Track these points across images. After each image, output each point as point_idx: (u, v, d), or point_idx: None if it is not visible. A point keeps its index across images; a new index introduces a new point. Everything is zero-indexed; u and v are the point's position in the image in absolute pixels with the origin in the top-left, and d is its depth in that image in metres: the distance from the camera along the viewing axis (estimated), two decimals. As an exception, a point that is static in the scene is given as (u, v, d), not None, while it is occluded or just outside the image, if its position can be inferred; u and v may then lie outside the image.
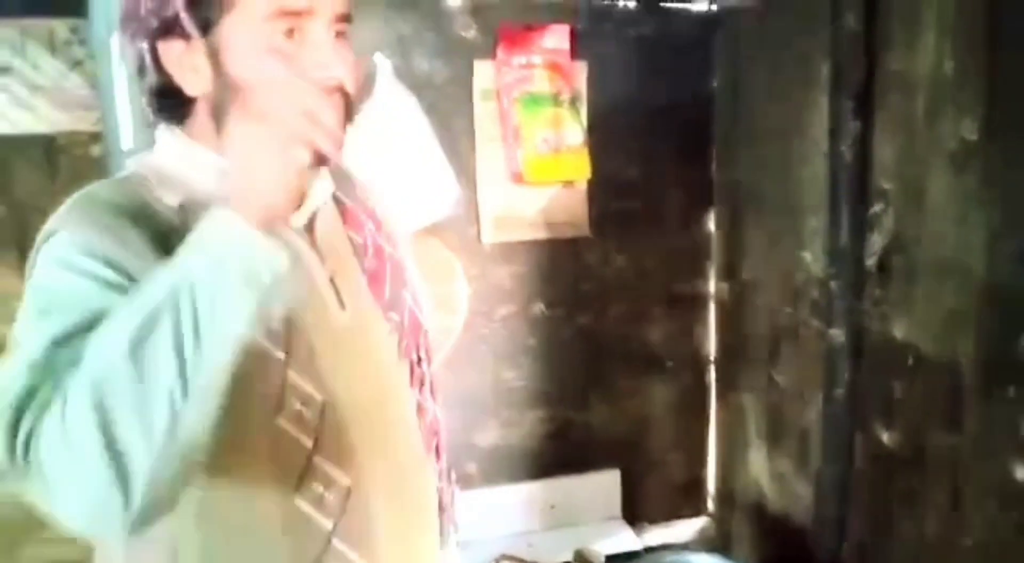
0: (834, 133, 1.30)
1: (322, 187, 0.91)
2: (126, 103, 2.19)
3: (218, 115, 0.81)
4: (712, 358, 2.10)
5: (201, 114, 0.84)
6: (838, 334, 1.37)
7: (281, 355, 0.80)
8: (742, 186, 1.84)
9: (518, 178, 1.85)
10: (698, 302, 2.09)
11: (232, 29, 0.77)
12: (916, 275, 1.22)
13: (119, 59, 2.21)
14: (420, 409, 1.00)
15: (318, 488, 0.82)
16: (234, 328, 0.67)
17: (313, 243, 0.89)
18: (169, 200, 0.81)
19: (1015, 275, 1.02)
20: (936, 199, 1.17)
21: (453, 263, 1.92)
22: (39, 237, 0.79)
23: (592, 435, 2.09)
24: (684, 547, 2.12)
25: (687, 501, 2.20)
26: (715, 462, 2.14)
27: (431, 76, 1.83)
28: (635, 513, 2.12)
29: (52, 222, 0.79)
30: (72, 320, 0.70)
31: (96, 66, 3.11)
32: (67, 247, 0.74)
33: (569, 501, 2.08)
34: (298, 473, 0.81)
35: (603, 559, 1.83)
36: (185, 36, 0.78)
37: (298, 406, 0.81)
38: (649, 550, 1.98)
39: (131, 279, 0.72)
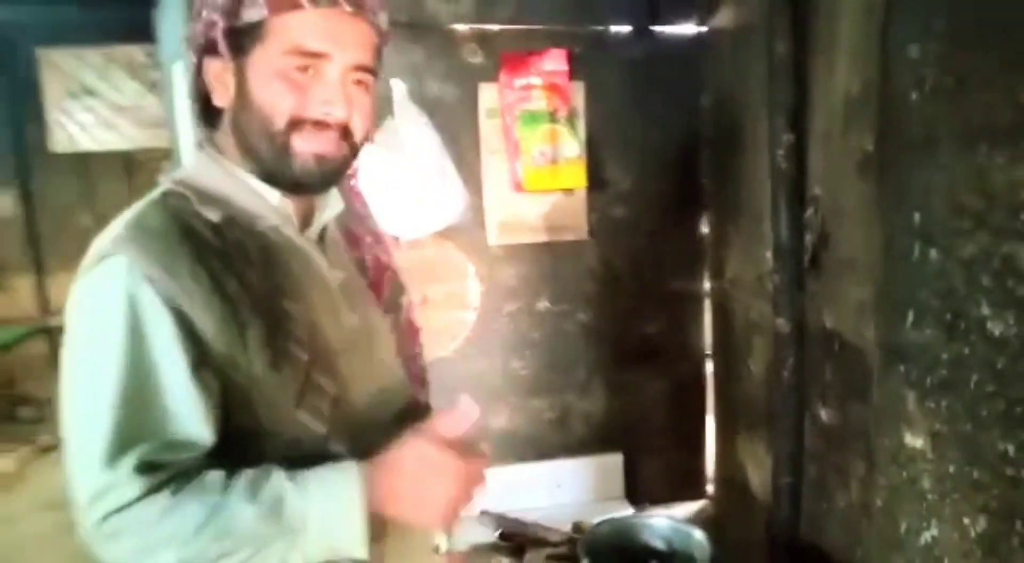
0: (772, 144, 1.47)
1: (331, 205, 1.05)
2: (187, 123, 2.49)
3: (236, 127, 0.96)
4: (708, 352, 2.26)
5: (225, 126, 0.98)
6: (784, 324, 1.54)
7: (305, 357, 0.92)
8: (725, 193, 2.01)
9: (518, 187, 2.06)
10: (693, 299, 2.25)
11: (258, 56, 0.92)
12: (837, 270, 1.38)
13: (180, 82, 2.52)
14: (417, 399, 1.15)
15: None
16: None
17: (324, 254, 1.02)
18: (210, 216, 0.92)
19: (901, 272, 1.17)
20: (848, 203, 1.33)
21: (465, 264, 2.15)
22: (92, 255, 0.88)
23: (595, 421, 2.28)
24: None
25: (688, 485, 2.35)
26: (714, 449, 2.30)
27: (442, 97, 2.06)
28: (638, 495, 2.29)
29: (107, 244, 0.87)
30: (150, 446, 0.83)
31: (164, 89, 3.45)
32: (131, 277, 0.84)
33: (574, 481, 2.27)
34: (312, 457, 0.91)
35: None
36: (225, 56, 0.93)
37: (315, 399, 0.93)
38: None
39: (183, 321, 0.84)
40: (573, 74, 2.07)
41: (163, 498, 0.83)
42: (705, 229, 2.20)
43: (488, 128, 2.07)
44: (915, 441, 1.17)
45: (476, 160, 2.09)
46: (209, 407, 0.87)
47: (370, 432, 0.97)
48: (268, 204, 0.98)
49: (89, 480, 0.84)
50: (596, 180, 2.13)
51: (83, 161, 4.51)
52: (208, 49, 0.95)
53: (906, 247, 1.16)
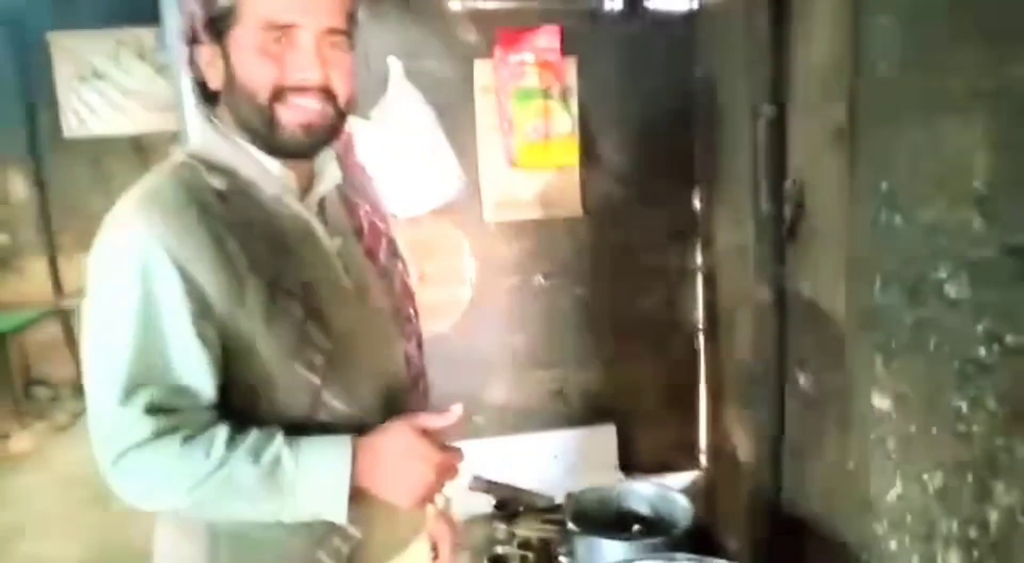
0: (753, 116, 1.50)
1: (330, 174, 1.11)
2: (191, 106, 2.53)
3: (229, 106, 1.02)
4: (700, 325, 2.30)
5: (223, 108, 1.03)
6: (765, 293, 1.57)
7: (301, 312, 0.99)
8: (714, 168, 2.04)
9: (513, 163, 2.10)
10: (685, 273, 2.28)
11: (237, 36, 0.98)
12: (813, 240, 1.41)
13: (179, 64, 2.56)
14: (408, 357, 1.21)
15: (326, 418, 1.01)
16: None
17: (324, 220, 1.08)
18: (216, 184, 0.99)
19: (866, 238, 1.21)
20: (823, 174, 1.36)
21: (461, 240, 2.20)
22: (112, 217, 0.96)
23: (590, 393, 2.32)
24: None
25: (682, 456, 2.39)
26: (705, 420, 2.34)
27: (437, 75, 2.09)
28: (632, 466, 2.34)
29: (126, 211, 0.95)
30: (157, 389, 0.93)
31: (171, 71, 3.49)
32: (146, 241, 0.92)
33: (569, 452, 2.32)
34: (308, 407, 1.00)
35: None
36: (209, 42, 0.99)
37: (311, 353, 0.99)
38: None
39: (189, 280, 0.92)
40: (565, 50, 2.10)
41: (173, 444, 0.92)
42: (697, 203, 2.23)
43: (483, 105, 2.10)
44: (882, 403, 1.21)
45: (471, 137, 2.13)
46: (210, 358, 0.95)
47: (362, 384, 1.05)
48: (270, 174, 1.04)
49: (105, 419, 0.93)
50: (589, 156, 2.17)
51: (94, 145, 4.57)
52: (195, 38, 1.01)
53: (874, 215, 1.20)
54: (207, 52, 1.01)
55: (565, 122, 2.10)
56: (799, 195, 1.44)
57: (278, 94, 0.99)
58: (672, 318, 2.31)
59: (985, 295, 0.97)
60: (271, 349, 0.98)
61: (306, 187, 1.09)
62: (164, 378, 0.93)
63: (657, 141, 2.20)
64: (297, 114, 1.00)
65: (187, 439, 0.93)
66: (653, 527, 1.61)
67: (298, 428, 0.98)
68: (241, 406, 0.98)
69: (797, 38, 1.43)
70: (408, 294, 1.24)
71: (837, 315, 1.34)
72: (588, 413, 2.33)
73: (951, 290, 1.01)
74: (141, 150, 4.69)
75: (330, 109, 1.02)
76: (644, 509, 1.63)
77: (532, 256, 2.24)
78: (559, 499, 2.11)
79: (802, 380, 1.52)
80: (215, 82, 1.03)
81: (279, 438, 0.95)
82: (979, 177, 0.95)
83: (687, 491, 2.40)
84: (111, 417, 0.93)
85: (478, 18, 2.09)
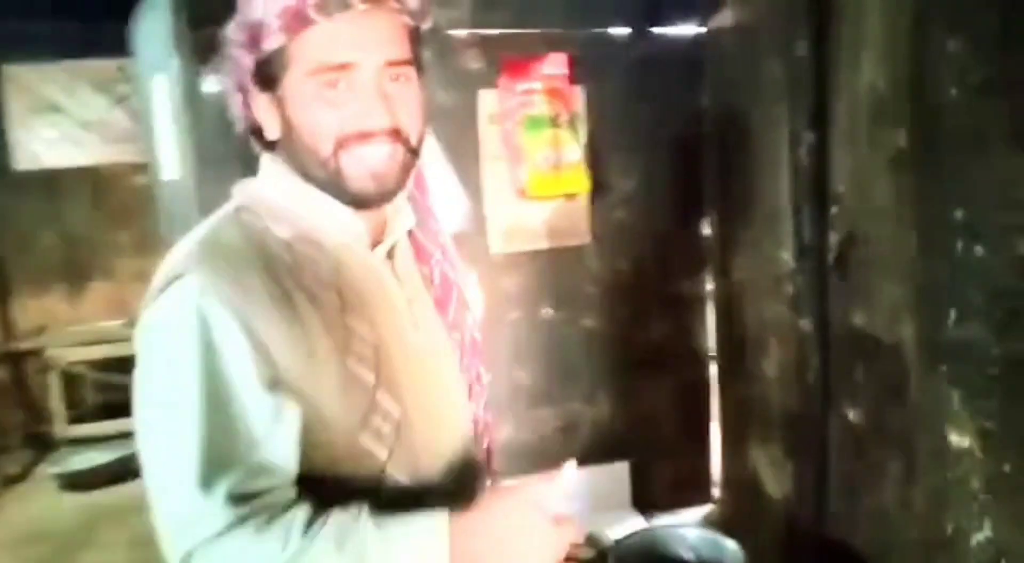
0: (793, 143, 1.45)
1: (403, 220, 0.99)
2: (169, 137, 2.40)
3: (290, 157, 0.91)
4: (711, 354, 2.25)
5: (283, 157, 0.92)
6: (807, 324, 1.52)
7: (372, 379, 0.87)
8: (731, 194, 1.99)
9: (522, 193, 2.03)
10: (696, 301, 2.24)
11: (290, 82, 0.86)
12: (867, 269, 1.37)
13: (161, 98, 2.44)
14: (476, 420, 1.08)
15: (386, 495, 0.87)
16: None
17: (394, 270, 0.97)
18: (280, 233, 0.88)
19: (942, 269, 1.16)
20: (879, 201, 1.32)
21: (468, 273, 2.10)
22: (162, 274, 0.85)
23: (600, 429, 2.24)
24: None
25: (694, 490, 2.33)
26: (720, 452, 2.28)
27: (441, 104, 2.02)
28: (644, 502, 2.26)
29: (179, 265, 0.84)
30: (240, 473, 0.79)
31: (140, 104, 3.35)
32: (206, 298, 0.80)
33: (581, 492, 2.23)
34: (371, 482, 0.87)
35: (609, 541, 1.98)
36: (260, 91, 0.89)
37: (379, 422, 0.88)
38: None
39: (256, 342, 0.80)
40: (573, 78, 2.05)
41: (248, 532, 0.78)
42: (707, 230, 2.19)
43: (489, 134, 2.03)
44: (961, 440, 1.16)
45: (476, 167, 2.05)
46: (291, 429, 0.83)
47: (428, 456, 0.94)
48: (338, 221, 0.93)
49: (180, 507, 0.79)
50: (598, 184, 2.11)
51: (48, 179, 4.36)
52: (247, 86, 0.91)
53: (947, 245, 1.15)
54: (263, 100, 0.91)
55: (574, 150, 2.04)
56: (849, 224, 1.40)
57: (342, 144, 0.87)
58: (683, 348, 2.25)
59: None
60: (338, 420, 0.86)
61: (377, 233, 0.97)
62: (246, 458, 0.80)
63: (666, 167, 2.16)
64: (365, 163, 0.88)
65: (261, 527, 0.79)
66: (700, 574, 1.52)
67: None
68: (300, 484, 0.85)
69: (840, 63, 1.39)
70: (477, 351, 1.13)
71: (900, 347, 1.29)
72: (599, 450, 2.25)
73: (1055, 324, 0.97)
74: (99, 183, 4.50)
75: (400, 151, 0.90)
76: (688, 555, 1.54)
77: (539, 287, 2.16)
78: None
79: (852, 415, 1.47)
80: (272, 132, 0.92)
81: (364, 520, 0.81)
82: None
83: (703, 525, 2.35)
84: (188, 505, 0.79)
85: (482, 46, 2.03)
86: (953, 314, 1.15)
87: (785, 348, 1.71)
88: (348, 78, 0.86)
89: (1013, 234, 1.03)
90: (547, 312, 2.18)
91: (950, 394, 1.17)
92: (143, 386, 0.84)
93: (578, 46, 2.06)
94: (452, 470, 0.98)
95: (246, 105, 0.93)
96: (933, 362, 1.21)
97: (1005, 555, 1.09)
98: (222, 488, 0.78)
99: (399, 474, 0.91)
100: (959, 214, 1.12)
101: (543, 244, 2.11)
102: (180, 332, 0.81)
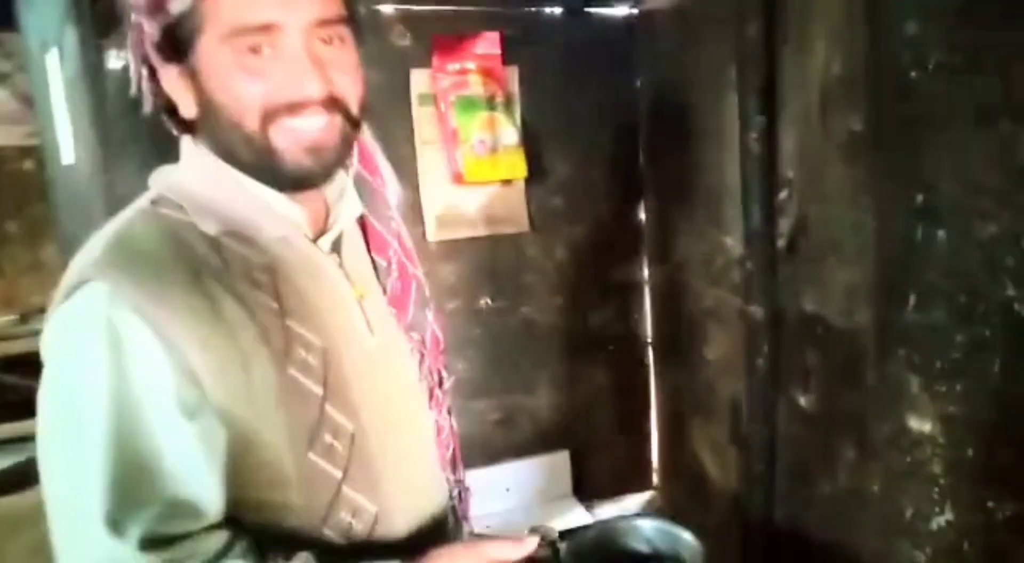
0: (743, 127, 1.42)
1: (348, 208, 0.89)
2: (65, 118, 2.20)
3: (211, 136, 0.80)
4: (649, 340, 2.23)
5: (204, 139, 0.82)
6: (757, 310, 1.51)
7: (320, 390, 0.79)
8: (669, 178, 1.97)
9: (458, 178, 1.94)
10: (634, 288, 2.21)
11: (203, 50, 0.76)
12: (820, 254, 1.36)
13: (55, 75, 2.22)
14: (440, 428, 1.01)
15: (346, 517, 0.82)
16: None
17: (341, 265, 0.88)
18: (205, 228, 0.79)
19: (898, 252, 1.15)
20: (832, 185, 1.30)
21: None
22: (66, 280, 0.75)
23: (540, 420, 2.20)
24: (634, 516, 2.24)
25: (634, 477, 2.32)
26: (657, 438, 2.27)
27: (370, 84, 1.90)
28: (585, 491, 2.24)
29: (84, 269, 0.74)
30: (152, 513, 0.70)
31: (28, 81, 3.08)
32: (114, 306, 0.71)
33: (522, 483, 2.19)
34: (325, 507, 0.81)
35: (556, 534, 1.94)
36: (169, 62, 0.78)
37: (329, 439, 0.80)
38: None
39: (175, 357, 0.71)
40: (506, 58, 1.97)
41: None
42: (643, 215, 2.16)
43: (421, 116, 1.93)
44: (922, 425, 1.16)
45: (409, 151, 1.95)
46: (215, 460, 0.73)
47: (388, 472, 0.86)
48: (272, 210, 0.83)
49: (87, 552, 0.69)
50: (534, 169, 2.04)
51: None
52: (151, 57, 0.79)
53: (905, 230, 1.14)
54: (172, 73, 0.79)
55: (511, 133, 1.97)
56: (801, 209, 1.38)
57: (270, 116, 0.77)
58: (622, 335, 2.22)
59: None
60: (281, 438, 0.77)
61: (319, 224, 0.87)
62: (161, 494, 0.70)
63: (603, 152, 2.11)
64: (298, 137, 0.78)
65: None
66: (655, 567, 1.50)
67: (308, 539, 0.78)
68: (240, 513, 0.77)
69: (790, 44, 1.37)
70: (438, 350, 1.04)
71: (855, 333, 1.28)
72: (539, 440, 2.20)
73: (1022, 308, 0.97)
74: (-19, 169, 4.14)
75: (339, 121, 0.80)
76: (644, 547, 1.51)
77: (476, 276, 2.09)
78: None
79: (802, 400, 1.46)
80: (187, 110, 0.80)
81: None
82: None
83: (644, 512, 2.35)
84: (96, 547, 0.68)
85: (412, 23, 1.92)
86: (913, 299, 1.15)
87: (730, 334, 1.69)
88: (272, 41, 0.75)
89: (976, 218, 1.02)
90: (485, 302, 2.11)
91: (909, 379, 1.17)
92: (44, 405, 0.73)
93: (510, 25, 1.98)
94: (415, 486, 0.90)
95: (154, 80, 0.80)
96: (891, 347, 1.20)
97: (966, 538, 1.10)
98: (135, 531, 0.68)
99: (357, 494, 0.82)
100: (920, 198, 1.11)
101: (481, 231, 2.03)
102: (84, 344, 0.70)
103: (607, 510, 2.24)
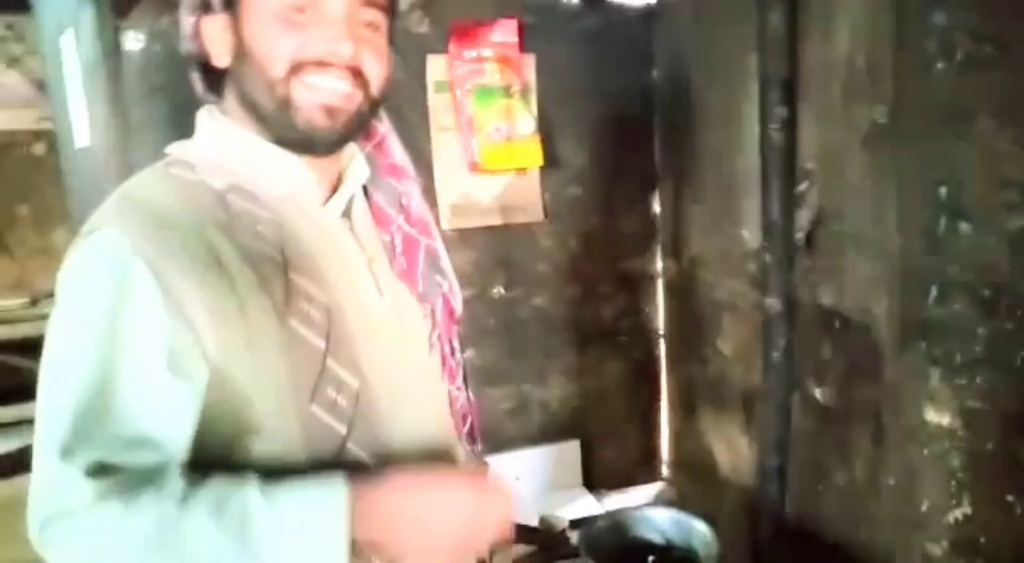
0: (763, 118, 1.42)
1: (357, 173, 0.93)
2: (81, 101, 2.20)
3: (237, 85, 0.85)
4: (661, 332, 2.23)
5: (230, 92, 0.87)
6: (774, 303, 1.50)
7: (322, 344, 0.81)
8: (685, 170, 1.96)
9: (474, 167, 1.94)
10: (647, 280, 2.20)
11: (252, 3, 0.82)
12: (838, 247, 1.35)
13: (71, 58, 2.22)
14: (454, 398, 1.01)
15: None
16: None
17: (352, 229, 0.91)
18: (214, 183, 0.83)
19: (920, 245, 1.15)
20: (852, 177, 1.30)
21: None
22: (84, 228, 0.80)
23: (551, 409, 2.20)
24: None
25: (644, 468, 2.32)
26: (668, 429, 2.27)
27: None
28: (595, 481, 2.24)
29: (97, 218, 0.80)
30: (105, 444, 0.73)
31: (42, 64, 3.08)
32: (119, 250, 0.75)
33: (533, 472, 2.19)
34: (331, 461, 0.81)
35: (567, 523, 1.95)
36: (219, 9, 0.84)
37: (333, 393, 0.81)
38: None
39: (172, 301, 0.74)
40: (523, 46, 1.96)
41: (115, 507, 0.71)
42: (657, 207, 2.16)
43: (437, 103, 1.93)
44: (941, 418, 1.16)
45: (425, 138, 1.95)
46: (185, 402, 0.76)
47: (396, 434, 0.87)
48: (283, 170, 0.86)
49: (41, 475, 0.74)
50: (550, 158, 2.04)
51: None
52: (200, 8, 0.86)
53: (929, 223, 1.14)
54: (216, 24, 0.85)
55: (528, 122, 1.96)
56: (820, 201, 1.37)
57: (297, 68, 0.82)
58: (634, 326, 2.22)
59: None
60: (283, 386, 0.79)
61: (330, 188, 0.91)
62: (116, 428, 0.73)
63: (620, 142, 2.10)
64: (318, 94, 0.82)
65: (130, 502, 0.71)
66: (667, 558, 1.50)
67: None
68: (237, 462, 0.78)
69: (812, 35, 1.36)
70: (451, 320, 1.05)
71: (875, 326, 1.28)
72: (550, 430, 2.21)
73: (1049, 302, 0.96)
74: (-9, 151, 4.14)
75: (359, 95, 0.84)
76: (657, 538, 1.52)
77: (490, 265, 2.08)
78: (529, 523, 2.00)
79: (819, 394, 1.46)
80: (222, 58, 0.86)
81: (251, 485, 0.72)
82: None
83: (652, 503, 2.35)
84: (47, 473, 0.73)
85: (429, 9, 1.92)
86: (934, 291, 1.14)
87: (745, 326, 1.69)
88: (317, 4, 0.81)
89: (1001, 212, 1.01)
90: (498, 291, 2.11)
91: (929, 372, 1.17)
92: (48, 332, 0.78)
93: (527, 13, 1.97)
94: (425, 451, 0.91)
95: (196, 32, 0.87)
96: (911, 340, 1.20)
97: (984, 532, 1.10)
98: (81, 459, 0.71)
99: (362, 451, 0.83)
100: (943, 191, 1.10)
101: (495, 220, 2.03)
102: (88, 287, 0.76)
103: (617, 500, 2.24)
